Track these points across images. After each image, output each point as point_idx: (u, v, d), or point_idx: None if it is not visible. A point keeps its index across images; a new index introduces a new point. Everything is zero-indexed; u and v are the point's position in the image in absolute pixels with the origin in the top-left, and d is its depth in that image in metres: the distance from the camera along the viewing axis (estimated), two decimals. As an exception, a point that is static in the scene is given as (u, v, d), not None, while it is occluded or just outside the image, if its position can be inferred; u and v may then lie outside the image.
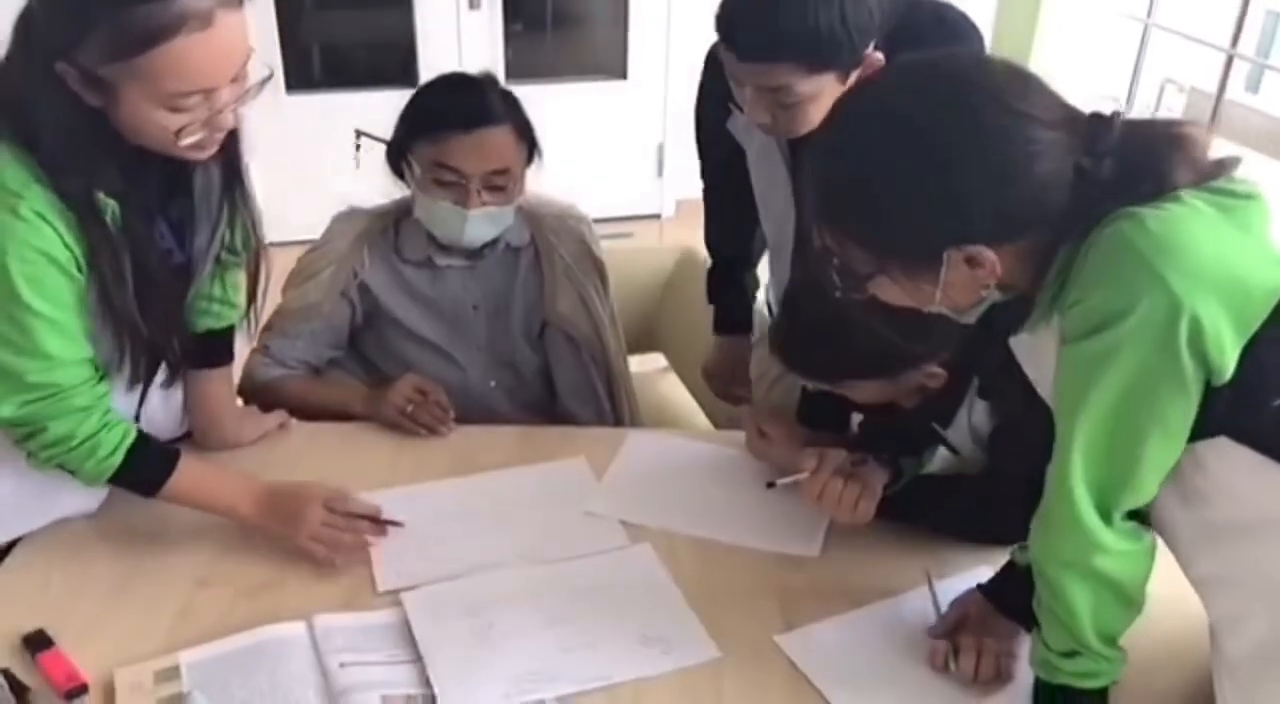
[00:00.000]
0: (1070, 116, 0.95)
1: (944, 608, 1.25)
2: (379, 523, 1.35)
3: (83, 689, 1.14)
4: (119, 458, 1.26)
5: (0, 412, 1.21)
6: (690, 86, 1.68)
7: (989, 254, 0.96)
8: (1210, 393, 0.93)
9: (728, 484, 1.49)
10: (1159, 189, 0.93)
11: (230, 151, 1.29)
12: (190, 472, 1.32)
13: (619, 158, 4.18)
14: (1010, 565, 1.23)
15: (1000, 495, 1.27)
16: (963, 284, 0.99)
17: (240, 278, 1.44)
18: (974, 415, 1.32)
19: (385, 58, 4.10)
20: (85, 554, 1.34)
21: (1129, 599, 1.05)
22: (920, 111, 0.93)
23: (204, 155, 1.21)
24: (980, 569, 1.31)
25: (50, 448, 1.25)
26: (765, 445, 1.50)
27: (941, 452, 1.36)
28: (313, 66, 4.04)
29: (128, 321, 1.24)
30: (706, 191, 1.73)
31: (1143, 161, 0.94)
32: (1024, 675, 1.17)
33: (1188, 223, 0.91)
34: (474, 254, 1.68)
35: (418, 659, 1.18)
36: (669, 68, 4.07)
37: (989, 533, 1.34)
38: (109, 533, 1.38)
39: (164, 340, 1.31)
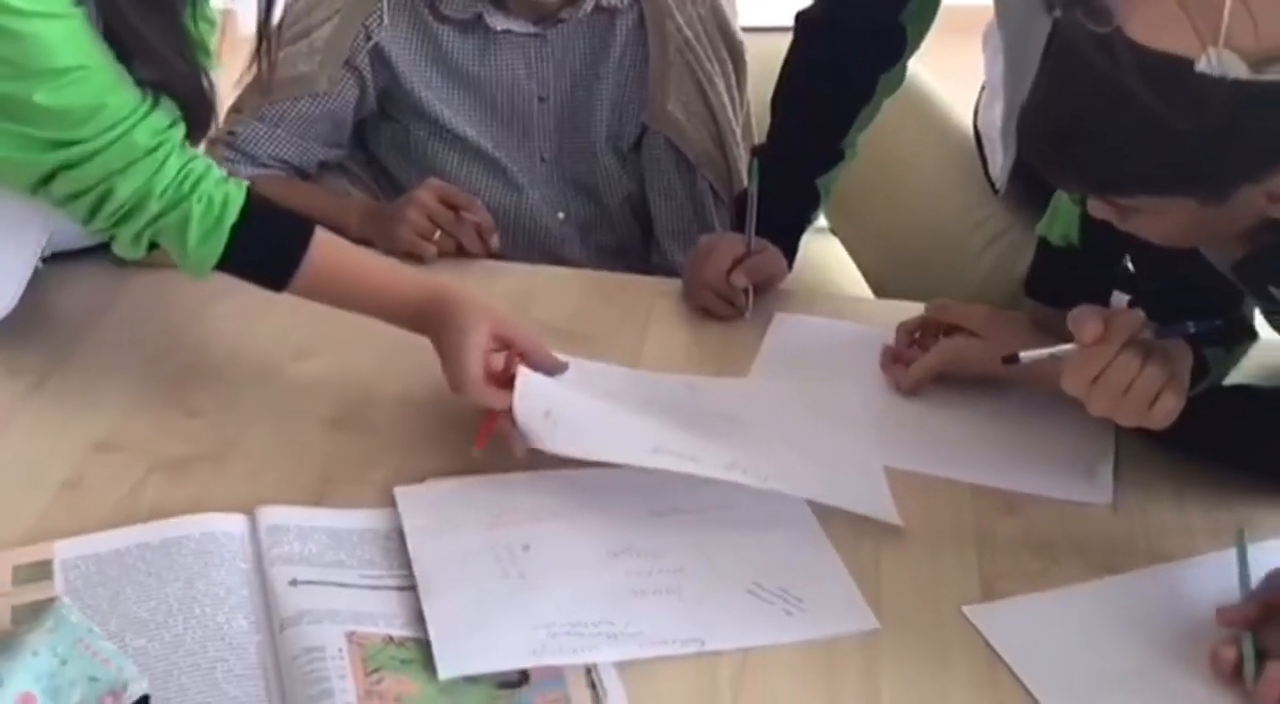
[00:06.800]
0: None
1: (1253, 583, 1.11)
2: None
3: (-101, 583, 1.08)
4: (229, 220, 1.23)
5: (22, 171, 1.18)
6: None
7: None
8: None
9: (939, 389, 1.39)
10: None
11: None
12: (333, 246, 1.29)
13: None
14: None
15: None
16: None
17: (217, 13, 1.39)
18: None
19: None
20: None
21: None
22: None
23: None
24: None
25: (122, 220, 1.21)
26: (962, 347, 1.38)
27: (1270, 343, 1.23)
28: None
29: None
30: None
31: None
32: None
33: None
34: (547, 14, 1.62)
35: (409, 586, 1.10)
36: None
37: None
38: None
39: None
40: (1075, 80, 1.10)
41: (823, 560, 1.16)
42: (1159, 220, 1.13)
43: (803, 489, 1.21)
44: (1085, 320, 1.14)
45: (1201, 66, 0.93)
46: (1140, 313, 1.17)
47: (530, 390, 1.22)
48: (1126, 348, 1.14)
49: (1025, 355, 1.20)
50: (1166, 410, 1.15)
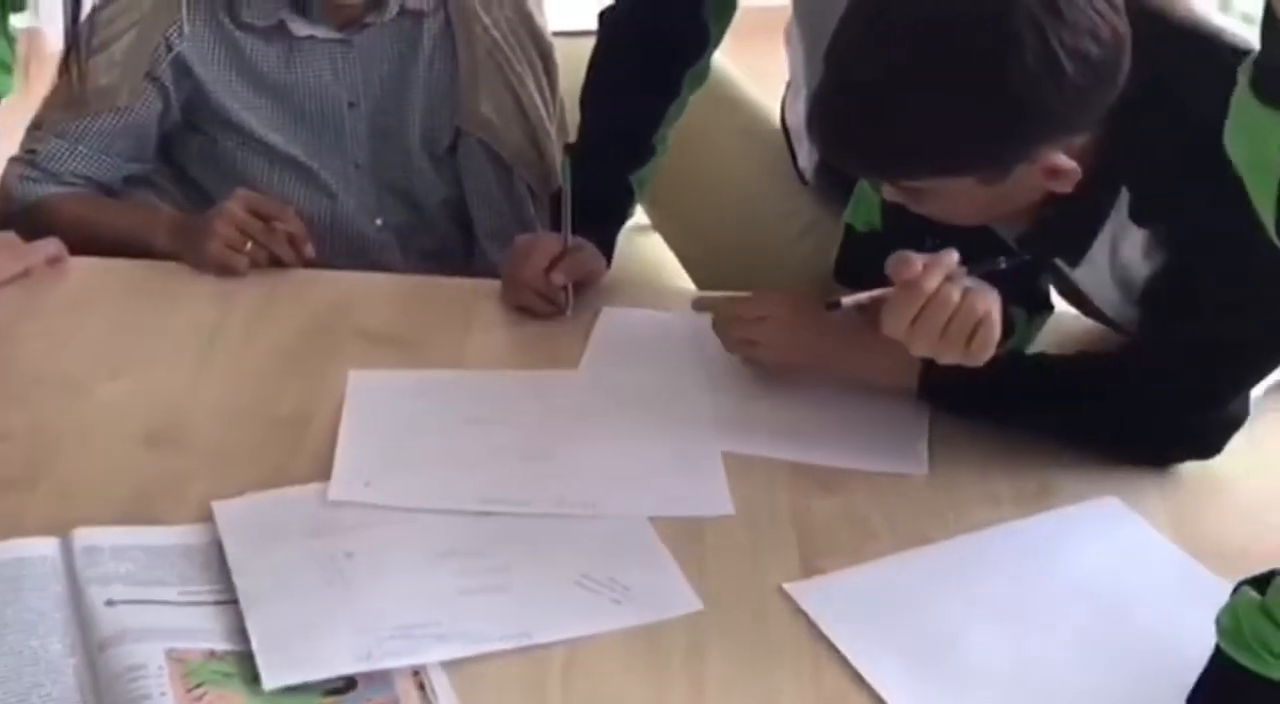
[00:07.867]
0: None
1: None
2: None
3: None
4: None
5: None
6: None
7: None
8: None
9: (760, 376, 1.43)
10: None
11: None
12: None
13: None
14: None
15: (1152, 390, 1.23)
16: None
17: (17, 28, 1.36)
18: (1122, 249, 1.21)
19: None
20: None
21: None
22: None
23: None
24: (1107, 500, 1.27)
25: None
26: (776, 331, 1.41)
27: (1064, 314, 1.30)
28: None
29: None
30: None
31: None
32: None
33: None
34: (350, 20, 1.62)
35: (230, 600, 1.10)
36: None
37: (1130, 444, 1.29)
38: None
39: None
40: (857, 68, 1.15)
41: (648, 548, 1.19)
42: (947, 201, 1.19)
43: (638, 508, 1.24)
44: (903, 262, 1.19)
45: None
46: (955, 252, 1.21)
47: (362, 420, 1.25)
48: (943, 285, 1.18)
49: (847, 299, 1.25)
50: (983, 343, 1.19)
